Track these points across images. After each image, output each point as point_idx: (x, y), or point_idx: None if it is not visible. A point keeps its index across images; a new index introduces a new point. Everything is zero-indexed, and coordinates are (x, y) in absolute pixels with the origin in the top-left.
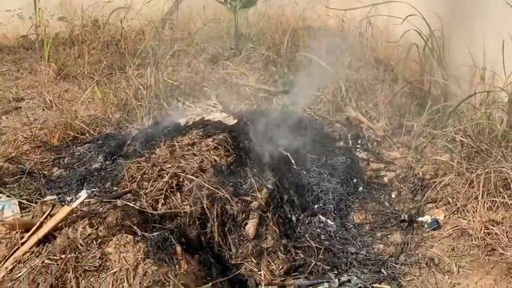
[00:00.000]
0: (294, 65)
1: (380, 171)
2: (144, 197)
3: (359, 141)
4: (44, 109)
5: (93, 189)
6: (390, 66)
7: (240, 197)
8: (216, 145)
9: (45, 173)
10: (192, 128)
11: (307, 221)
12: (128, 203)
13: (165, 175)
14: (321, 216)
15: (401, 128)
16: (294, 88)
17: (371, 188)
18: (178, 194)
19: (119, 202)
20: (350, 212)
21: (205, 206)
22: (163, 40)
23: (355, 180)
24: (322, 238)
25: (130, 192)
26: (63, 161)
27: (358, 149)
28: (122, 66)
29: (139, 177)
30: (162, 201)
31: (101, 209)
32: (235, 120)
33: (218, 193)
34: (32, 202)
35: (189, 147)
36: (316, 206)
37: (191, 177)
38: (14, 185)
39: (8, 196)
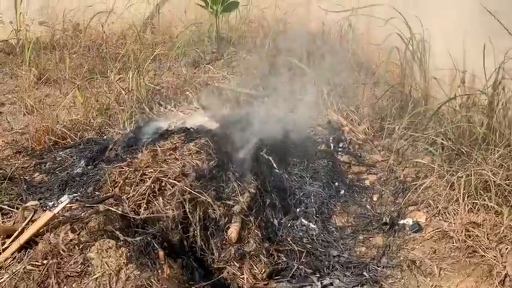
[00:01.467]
0: (275, 68)
1: (361, 174)
2: (127, 201)
3: (341, 145)
4: (25, 114)
5: (75, 194)
6: (371, 70)
7: (222, 201)
8: (197, 149)
9: (27, 178)
10: (174, 132)
11: (289, 225)
12: (110, 208)
13: (147, 180)
14: (303, 220)
15: (382, 131)
16: (276, 92)
17: (353, 191)
18: (160, 198)
19: (101, 207)
20: (332, 215)
21: (187, 210)
22: (144, 44)
23: (336, 183)
24: (305, 241)
25: (112, 197)
26: (45, 166)
27: (339, 153)
28: (103, 70)
29: (122, 182)
30: (145, 205)
31: (83, 214)
32: (217, 124)
33: (200, 197)
34: (14, 208)
35: (171, 151)
36: (298, 210)
37: (173, 181)
38: None
39: None
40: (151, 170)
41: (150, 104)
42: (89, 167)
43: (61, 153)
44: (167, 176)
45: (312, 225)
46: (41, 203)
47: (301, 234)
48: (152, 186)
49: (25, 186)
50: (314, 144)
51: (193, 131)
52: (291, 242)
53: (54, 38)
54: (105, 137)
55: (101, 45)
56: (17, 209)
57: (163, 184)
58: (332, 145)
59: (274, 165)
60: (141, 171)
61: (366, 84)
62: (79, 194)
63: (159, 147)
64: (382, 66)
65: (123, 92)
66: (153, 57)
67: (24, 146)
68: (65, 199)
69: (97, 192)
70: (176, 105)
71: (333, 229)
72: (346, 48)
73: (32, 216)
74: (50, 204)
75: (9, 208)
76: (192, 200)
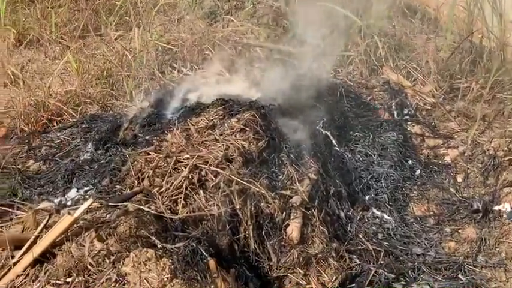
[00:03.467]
0: (311, 17)
1: (439, 148)
2: (160, 197)
3: (406, 111)
4: (6, 85)
5: (86, 188)
6: (427, 15)
7: (277, 191)
8: (242, 127)
9: (19, 167)
10: (207, 105)
11: (358, 217)
12: (142, 207)
13: (183, 168)
14: (375, 210)
15: (453, 92)
16: (315, 47)
17: (431, 170)
18: (201, 191)
19: (129, 206)
20: (409, 203)
21: (236, 206)
22: None
23: (410, 161)
24: (380, 238)
25: (141, 192)
26: (40, 151)
27: (408, 122)
28: (96, 26)
29: (151, 172)
30: (183, 201)
31: (108, 216)
32: (259, 93)
33: (251, 188)
34: (10, 207)
35: (209, 130)
36: (367, 197)
37: (216, 169)
38: None
39: None
40: (187, 156)
41: (161, 67)
42: (99, 152)
43: (59, 134)
44: (207, 162)
45: (386, 216)
46: (42, 199)
47: (374, 228)
48: (190, 177)
49: (19, 178)
50: (374, 112)
51: (233, 103)
52: (363, 239)
53: None
54: (111, 112)
55: None
56: (13, 208)
57: (203, 173)
58: (395, 112)
59: (334, 141)
60: (174, 158)
61: (425, 33)
62: (91, 187)
63: (192, 125)
64: (441, 10)
65: (127, 54)
66: (157, 8)
67: (11, 127)
68: (74, 194)
69: (117, 186)
70: (194, 67)
71: (412, 220)
72: None
73: (47, 221)
74: (56, 201)
75: (3, 208)
76: (241, 192)
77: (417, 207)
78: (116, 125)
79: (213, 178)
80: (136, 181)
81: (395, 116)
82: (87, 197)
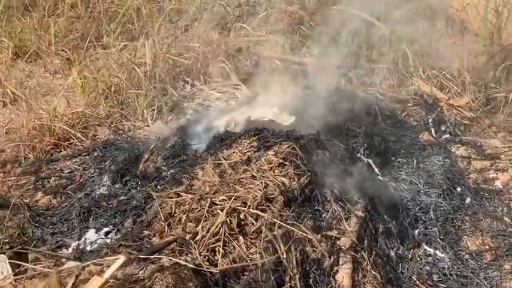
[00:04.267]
0: (331, 24)
1: (487, 171)
2: (196, 247)
3: (443, 128)
4: (5, 105)
5: (105, 229)
6: (451, 16)
7: (322, 232)
8: (281, 161)
9: (27, 201)
10: (240, 136)
11: (410, 256)
12: (179, 261)
13: (219, 212)
14: (426, 247)
15: (490, 104)
16: (336, 57)
17: (481, 197)
18: (241, 238)
19: (164, 260)
20: (461, 236)
21: (281, 252)
22: None
23: (458, 188)
24: (435, 279)
25: (175, 242)
26: (49, 182)
27: (453, 143)
28: (97, 36)
29: (184, 216)
30: (221, 250)
31: (140, 272)
32: (293, 117)
33: (295, 231)
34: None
35: (245, 166)
36: (416, 232)
37: (256, 211)
38: None
39: None
40: (224, 198)
41: (174, 82)
42: (117, 186)
43: (69, 162)
44: (246, 204)
45: (439, 253)
46: (56, 240)
47: (428, 268)
48: (228, 222)
49: (28, 215)
50: (412, 132)
51: (268, 133)
52: (418, 282)
53: None
54: (123, 134)
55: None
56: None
57: (242, 217)
58: (433, 129)
59: (376, 170)
60: (209, 200)
61: (455, 39)
62: (111, 227)
63: (224, 159)
64: (466, 11)
65: (136, 68)
66: (163, 16)
67: (14, 154)
68: (93, 237)
69: (145, 231)
70: (207, 81)
71: (467, 257)
72: None
73: (74, 282)
74: (74, 244)
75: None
76: (284, 237)
77: (471, 240)
78: (134, 155)
79: (253, 222)
80: (166, 226)
81: (433, 133)
82: (108, 241)
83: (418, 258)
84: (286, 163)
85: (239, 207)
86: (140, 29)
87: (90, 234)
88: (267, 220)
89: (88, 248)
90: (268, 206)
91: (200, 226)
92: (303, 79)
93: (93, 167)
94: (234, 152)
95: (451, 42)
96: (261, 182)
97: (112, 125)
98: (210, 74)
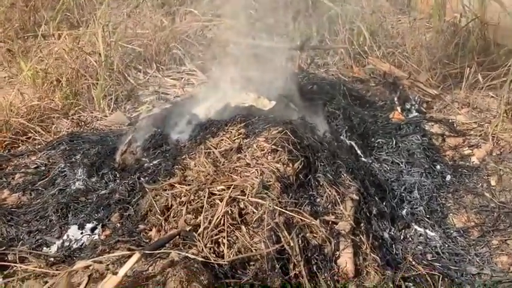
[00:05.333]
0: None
1: (461, 147)
2: (200, 239)
3: (408, 106)
4: None
5: (88, 225)
6: None
7: (320, 217)
8: (273, 147)
9: None
10: (226, 123)
11: (402, 236)
12: (188, 255)
13: (218, 202)
14: (416, 227)
15: (447, 80)
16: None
17: (460, 174)
18: (243, 227)
19: (173, 254)
20: (447, 214)
21: (284, 240)
22: None
23: (438, 166)
24: (430, 258)
25: (179, 235)
26: (13, 179)
27: (426, 120)
28: (34, 24)
29: (183, 209)
30: (225, 241)
31: (150, 268)
32: (273, 102)
33: (295, 217)
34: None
35: (237, 154)
36: (404, 212)
37: (256, 200)
38: None
39: None
40: (222, 187)
41: (126, 70)
42: (94, 180)
43: (33, 158)
44: (244, 192)
45: (430, 232)
46: (36, 238)
47: (421, 248)
48: (230, 212)
49: None
50: (382, 111)
51: (256, 119)
52: (414, 262)
53: None
54: (86, 126)
55: None
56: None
57: (242, 206)
58: (398, 108)
59: (359, 152)
60: (207, 190)
61: (405, 15)
62: (95, 223)
63: (213, 147)
64: None
65: (90, 58)
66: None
67: None
68: (77, 234)
69: (141, 225)
70: (160, 68)
71: (455, 234)
72: None
73: (87, 283)
74: (58, 243)
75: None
76: (285, 224)
77: (457, 218)
78: (109, 147)
79: (254, 210)
80: (162, 218)
81: (399, 111)
82: (95, 237)
83: (410, 239)
84: (278, 149)
85: (238, 197)
86: (80, 17)
87: (73, 231)
88: (268, 208)
89: (75, 246)
90: (267, 193)
91: (202, 217)
92: (261, 62)
93: (62, 161)
94: (222, 140)
95: (397, 20)
96: (256, 170)
97: (71, 117)
98: (162, 60)
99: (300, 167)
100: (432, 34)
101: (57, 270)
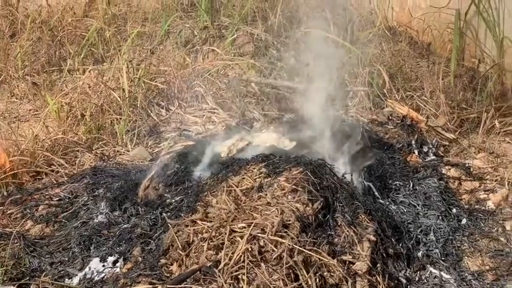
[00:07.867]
0: (298, 46)
1: (477, 192)
2: (221, 275)
3: (425, 149)
4: None
5: (111, 258)
6: (414, 38)
7: (337, 257)
8: (293, 187)
9: (18, 230)
10: (248, 162)
11: (417, 278)
12: None
13: (239, 239)
14: (432, 269)
15: (464, 125)
16: (313, 81)
17: (475, 218)
18: (263, 265)
19: None
20: (462, 257)
21: (302, 278)
22: (103, 18)
23: (454, 210)
24: None
25: (199, 271)
26: (37, 210)
27: (443, 164)
28: (59, 59)
29: (205, 244)
30: (245, 277)
31: None
32: (293, 142)
33: (312, 257)
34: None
35: (258, 193)
36: (420, 254)
37: (275, 238)
38: None
39: None
40: (243, 225)
41: (148, 106)
42: (116, 213)
43: (57, 190)
44: (264, 231)
45: (445, 275)
46: (57, 269)
47: None
48: (250, 249)
49: (23, 244)
50: (399, 154)
51: (277, 159)
52: None
53: None
54: (109, 161)
55: (47, 23)
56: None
57: (261, 243)
58: (416, 151)
59: (376, 193)
60: (228, 227)
61: (425, 60)
62: (117, 256)
63: (235, 186)
64: (428, 34)
65: (114, 93)
66: (129, 40)
67: None
68: (99, 266)
69: (162, 260)
70: (182, 105)
71: (470, 277)
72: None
73: None
74: (80, 274)
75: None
76: (303, 263)
77: (471, 261)
78: (132, 182)
79: (274, 248)
80: (182, 253)
81: (416, 154)
82: (117, 270)
83: (425, 280)
84: (298, 189)
85: (258, 234)
86: (104, 53)
87: (95, 264)
88: (287, 247)
89: (96, 279)
90: (286, 232)
91: (222, 254)
92: (282, 103)
93: (86, 195)
94: (243, 179)
95: (416, 64)
96: (277, 209)
97: (94, 151)
98: (184, 97)
99: (319, 207)
100: (450, 78)
101: None
